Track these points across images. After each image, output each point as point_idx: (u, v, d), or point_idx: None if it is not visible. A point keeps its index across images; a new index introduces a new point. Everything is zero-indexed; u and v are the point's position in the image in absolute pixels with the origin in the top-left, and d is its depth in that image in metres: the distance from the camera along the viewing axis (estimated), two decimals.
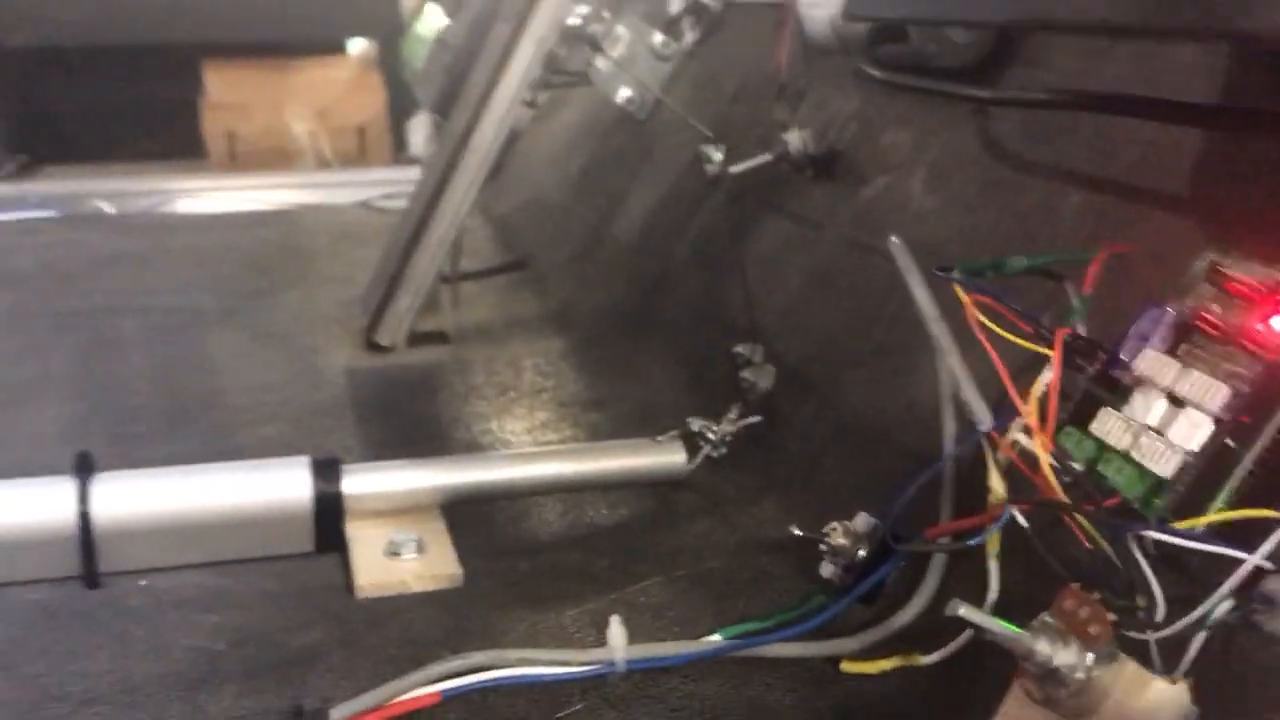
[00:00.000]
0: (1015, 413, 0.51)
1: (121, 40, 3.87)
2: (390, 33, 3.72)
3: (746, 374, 0.87)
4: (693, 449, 0.83)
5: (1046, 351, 0.51)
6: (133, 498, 0.73)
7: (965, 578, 0.60)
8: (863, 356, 0.79)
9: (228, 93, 4.10)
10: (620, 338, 1.11)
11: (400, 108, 3.67)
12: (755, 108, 1.12)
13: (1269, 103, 0.53)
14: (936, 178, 0.80)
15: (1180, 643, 0.45)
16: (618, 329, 1.13)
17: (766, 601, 0.69)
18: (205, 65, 4.09)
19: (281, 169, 3.94)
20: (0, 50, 3.94)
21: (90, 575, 0.71)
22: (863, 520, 0.65)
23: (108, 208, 1.83)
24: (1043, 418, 0.50)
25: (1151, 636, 0.46)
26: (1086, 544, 0.49)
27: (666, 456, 0.82)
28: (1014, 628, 0.47)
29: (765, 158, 0.96)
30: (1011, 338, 0.52)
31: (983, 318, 0.52)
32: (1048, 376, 0.52)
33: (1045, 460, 0.48)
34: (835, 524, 0.65)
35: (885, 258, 0.79)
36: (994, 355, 0.50)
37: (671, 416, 0.88)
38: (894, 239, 0.61)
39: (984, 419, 0.53)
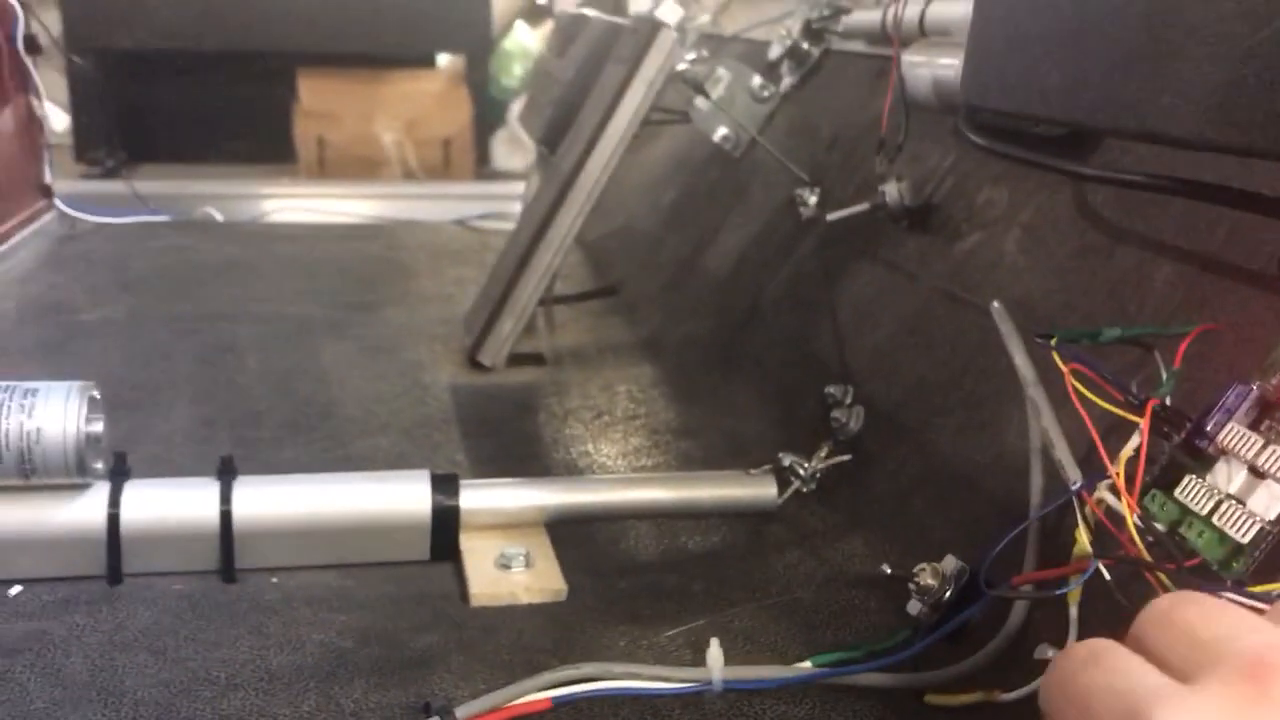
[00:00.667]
0: (1103, 474, 0.55)
1: (220, 46, 4.01)
2: (479, 48, 3.81)
3: (837, 414, 0.91)
4: (783, 483, 0.88)
5: (1135, 419, 0.55)
6: (269, 500, 0.79)
7: (1044, 623, 0.64)
8: (952, 405, 0.83)
9: (320, 101, 4.22)
10: (710, 369, 1.16)
11: (485, 122, 3.75)
12: (849, 154, 1.17)
13: None
14: (1030, 238, 0.84)
15: None
16: (708, 361, 1.18)
17: (854, 633, 0.73)
18: (300, 73, 4.21)
19: (368, 177, 4.06)
20: (105, 51, 4.10)
21: (228, 570, 0.78)
22: (950, 562, 0.69)
23: (216, 214, 1.92)
24: (1130, 480, 0.54)
25: None
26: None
27: (758, 489, 0.87)
28: None
29: (863, 207, 1.00)
30: (1104, 404, 0.56)
31: (1079, 385, 0.56)
32: (1136, 442, 0.56)
33: (1131, 519, 0.52)
34: (924, 565, 0.69)
35: (978, 311, 0.84)
36: (1088, 421, 0.54)
37: (760, 450, 0.93)
38: (996, 304, 0.65)
39: (1075, 477, 0.57)
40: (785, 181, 1.21)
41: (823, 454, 0.88)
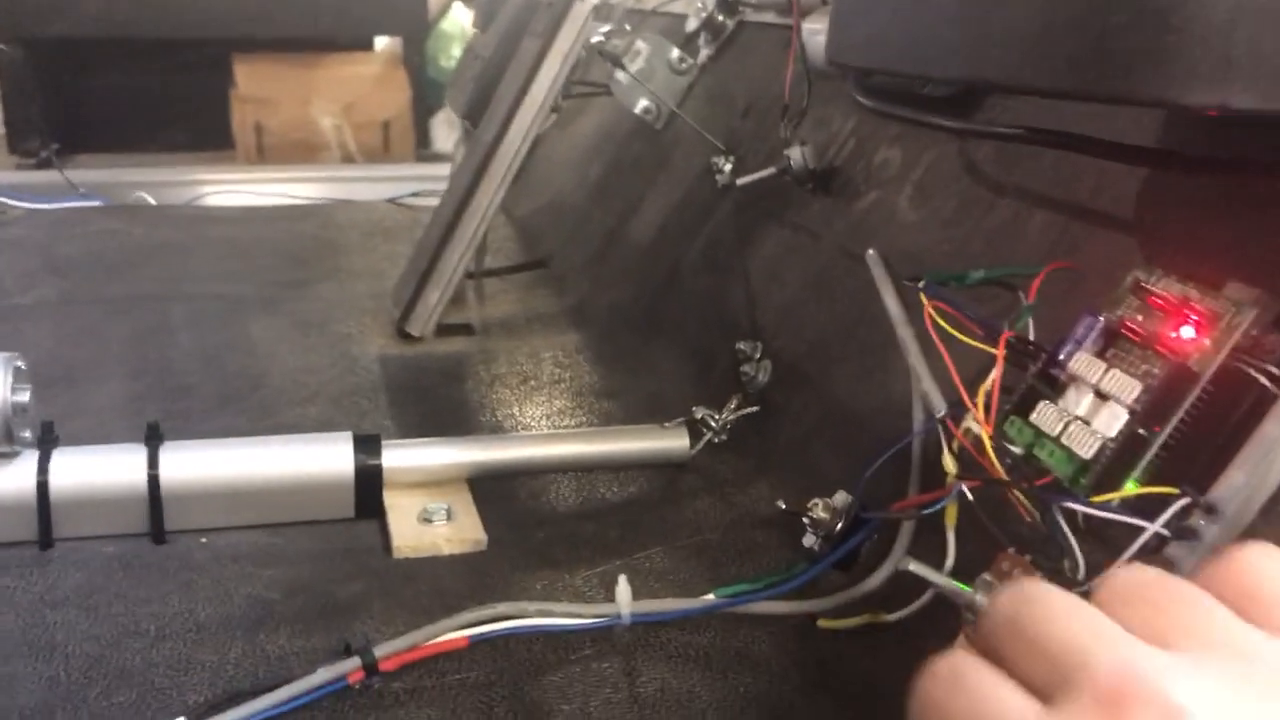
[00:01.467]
0: (969, 405, 0.60)
1: (154, 33, 3.98)
2: (416, 31, 3.81)
3: (746, 368, 0.96)
4: (696, 435, 0.92)
5: (994, 351, 0.59)
6: (196, 464, 0.82)
7: (930, 548, 0.69)
8: (848, 354, 0.87)
9: (256, 86, 4.20)
10: (633, 334, 1.20)
11: (424, 105, 3.76)
12: (763, 123, 1.21)
13: (1193, 149, 0.61)
14: (920, 194, 0.88)
15: None
16: (630, 326, 1.21)
17: (756, 568, 0.78)
18: (235, 59, 4.19)
19: (307, 162, 4.04)
20: (35, 40, 4.05)
21: (158, 532, 0.81)
22: (841, 497, 0.74)
23: (148, 198, 1.93)
24: (988, 408, 0.59)
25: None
26: (1026, 516, 0.58)
27: (671, 441, 0.91)
28: (958, 583, 0.56)
29: (770, 171, 1.04)
30: (965, 339, 0.60)
31: (942, 322, 0.61)
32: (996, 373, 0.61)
33: (988, 444, 0.57)
34: (817, 500, 0.73)
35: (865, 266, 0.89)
36: (945, 353, 0.58)
37: (678, 406, 0.97)
38: (871, 251, 0.70)
39: (939, 408, 0.61)
40: (704, 151, 1.25)
41: (732, 406, 0.93)
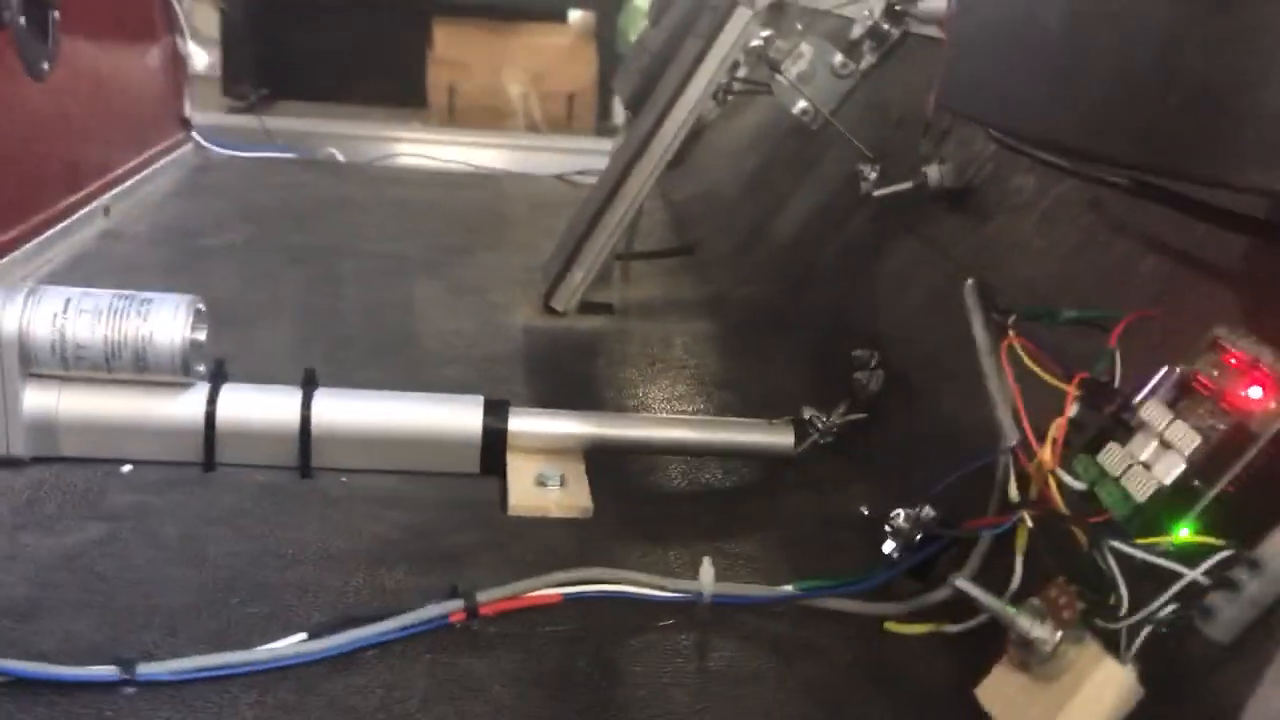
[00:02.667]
0: (1044, 438, 0.63)
1: None
2: (610, 4, 3.89)
3: (860, 375, 0.99)
4: (803, 434, 0.97)
5: (1069, 390, 0.62)
6: (343, 410, 0.91)
7: (1002, 569, 0.72)
8: (958, 371, 0.90)
9: (452, 49, 4.37)
10: (761, 329, 1.24)
11: (609, 79, 3.84)
12: (913, 135, 1.23)
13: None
14: (1046, 224, 0.90)
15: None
16: (761, 320, 1.26)
17: (837, 567, 0.82)
18: (435, 21, 4.36)
19: (494, 127, 4.18)
20: None
21: (305, 467, 0.90)
22: (926, 511, 0.77)
23: (339, 155, 2.06)
24: (1062, 443, 0.62)
25: (1113, 626, 0.57)
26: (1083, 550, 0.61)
27: (776, 437, 0.95)
28: (1004, 604, 0.60)
29: (906, 186, 1.08)
30: (1042, 374, 0.63)
31: (1025, 357, 0.64)
32: (1073, 412, 0.64)
33: (1051, 477, 0.60)
34: (900, 510, 0.77)
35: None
36: (1013, 385, 0.62)
37: (791, 404, 1.01)
38: (970, 281, 0.73)
39: (1011, 438, 0.65)
40: (853, 156, 1.28)
41: (841, 411, 0.97)
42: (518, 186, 1.93)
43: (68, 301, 0.84)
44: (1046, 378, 0.63)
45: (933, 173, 1.04)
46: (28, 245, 1.28)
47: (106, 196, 1.50)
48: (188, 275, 1.35)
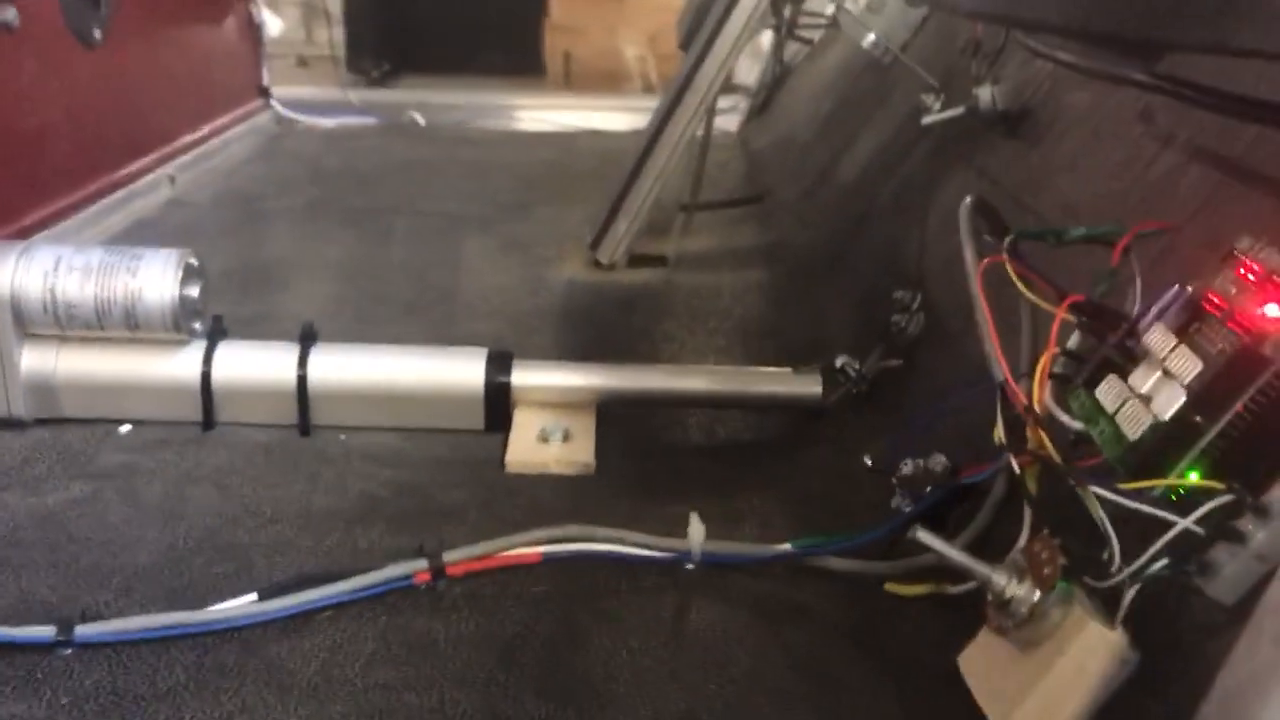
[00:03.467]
0: (1037, 373, 0.55)
1: None
2: None
3: (898, 318, 0.91)
4: (834, 383, 0.89)
5: (1068, 316, 0.54)
6: (340, 367, 0.88)
7: (1016, 521, 0.64)
8: (999, 310, 0.82)
9: (568, 16, 4.34)
10: (815, 274, 1.17)
11: None
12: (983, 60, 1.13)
13: None
14: (1095, 141, 0.81)
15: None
16: (816, 266, 1.18)
17: (850, 522, 0.75)
18: None
19: (611, 91, 4.14)
20: None
21: (303, 425, 0.87)
22: (936, 460, 0.70)
23: (419, 118, 2.04)
24: (1053, 378, 0.54)
25: (1103, 585, 0.49)
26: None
27: (803, 387, 0.88)
28: (972, 559, 0.52)
29: (958, 111, 0.98)
30: (1036, 300, 0.55)
31: (1016, 280, 0.56)
32: (1074, 340, 0.56)
33: (1032, 416, 0.52)
34: (908, 460, 0.70)
35: (1035, 218, 0.82)
36: (988, 314, 0.54)
37: (833, 350, 0.94)
38: (966, 200, 0.65)
39: (998, 374, 0.57)
40: (921, 88, 1.19)
41: (874, 357, 0.89)
42: (588, 143, 1.88)
43: (59, 259, 0.83)
44: (1037, 301, 0.55)
45: (984, 95, 0.95)
46: (86, 212, 1.29)
47: (172, 165, 1.51)
48: (241, 238, 1.35)
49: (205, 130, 1.63)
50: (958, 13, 0.51)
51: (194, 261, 0.86)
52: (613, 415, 0.90)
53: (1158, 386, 0.50)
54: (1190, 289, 0.52)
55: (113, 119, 1.37)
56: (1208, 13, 0.35)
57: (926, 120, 1.01)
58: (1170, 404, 0.49)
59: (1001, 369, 0.56)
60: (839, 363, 0.90)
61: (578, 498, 0.79)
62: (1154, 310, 0.53)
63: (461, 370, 0.88)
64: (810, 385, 0.89)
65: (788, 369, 0.90)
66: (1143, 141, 0.75)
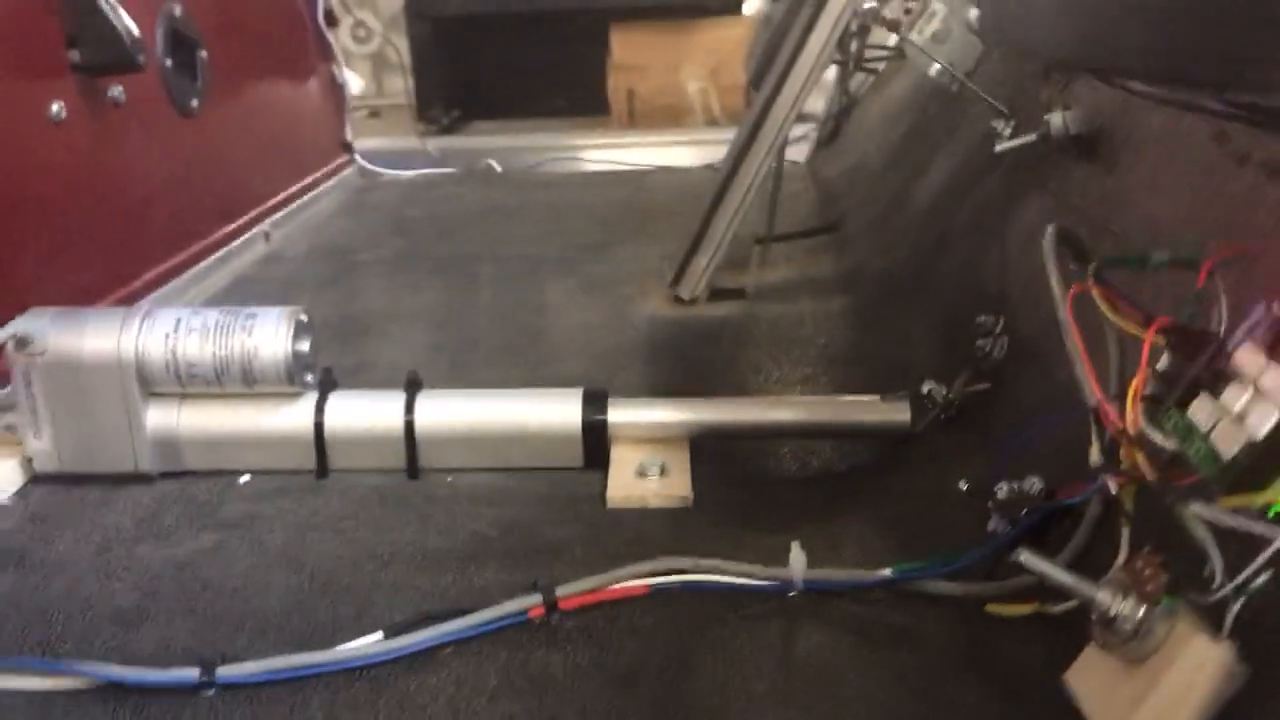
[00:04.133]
0: (1130, 395, 0.57)
1: (542, 6, 4.29)
2: None
3: (982, 342, 0.93)
4: (921, 409, 0.91)
5: (1157, 339, 0.56)
6: (446, 411, 0.91)
7: (1109, 539, 0.66)
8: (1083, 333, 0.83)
9: (630, 54, 4.42)
10: (896, 300, 1.18)
11: None
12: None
13: None
14: (1169, 162, 0.82)
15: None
16: (896, 292, 1.20)
17: (948, 546, 0.76)
18: (612, 28, 4.42)
19: (673, 126, 4.20)
20: (439, 18, 4.47)
21: (412, 469, 0.91)
22: (1030, 481, 0.71)
23: (495, 165, 2.10)
24: (1144, 399, 0.55)
25: (1207, 600, 0.51)
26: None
27: (891, 415, 0.90)
28: (1077, 578, 0.54)
29: (1030, 138, 1.00)
30: (1125, 325, 0.57)
31: (1103, 306, 0.58)
32: (1163, 363, 0.57)
33: (1126, 437, 0.54)
34: (1003, 484, 0.71)
35: (1114, 240, 0.84)
36: (1077, 337, 0.56)
37: (923, 374, 0.96)
38: (1050, 228, 0.66)
39: (1091, 398, 0.58)
40: (991, 114, 1.21)
41: (960, 382, 0.91)
42: (660, 180, 1.92)
43: (178, 321, 0.88)
44: (1126, 327, 0.57)
45: (1056, 120, 0.96)
46: (188, 273, 1.35)
47: (267, 222, 1.58)
48: (337, 290, 1.40)
49: (296, 188, 1.70)
50: (1037, 60, 0.53)
51: (304, 318, 0.90)
52: (706, 448, 0.92)
53: (1250, 405, 0.52)
54: (1276, 307, 0.53)
55: (211, 183, 1.43)
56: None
57: (1000, 148, 1.03)
58: (1264, 422, 0.50)
59: (1094, 392, 0.58)
60: (925, 388, 0.92)
61: (678, 530, 0.82)
62: (1242, 329, 0.54)
63: (559, 410, 0.91)
64: (899, 412, 0.90)
65: (875, 397, 0.92)
66: (1219, 162, 0.77)
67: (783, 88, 1.17)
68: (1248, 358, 0.53)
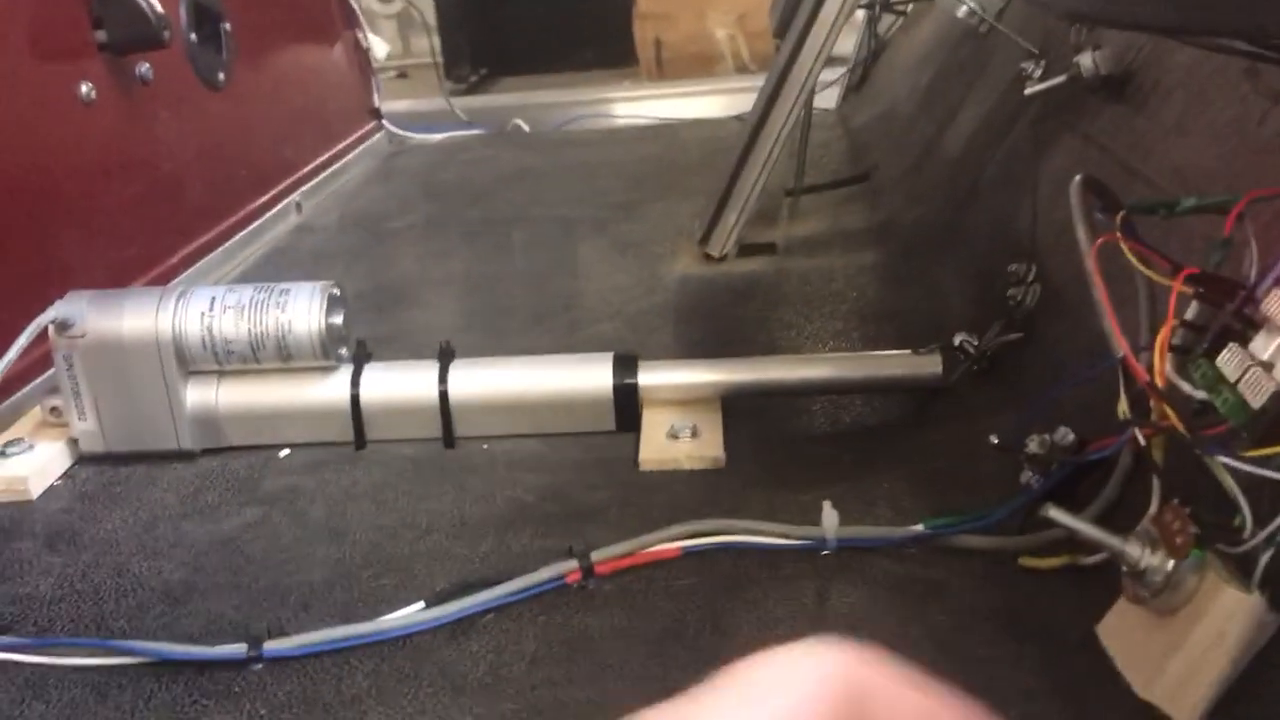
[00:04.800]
0: (1155, 342, 0.56)
1: None
2: None
3: (1014, 291, 0.92)
4: (953, 361, 0.91)
5: (1184, 289, 0.55)
6: (479, 380, 0.92)
7: (1142, 489, 0.65)
8: (1110, 280, 0.82)
9: (655, 2, 4.38)
10: (929, 251, 1.18)
11: None
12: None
13: None
14: (1201, 102, 0.81)
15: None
16: (928, 243, 1.19)
17: (981, 500, 0.76)
18: None
19: (703, 75, 4.16)
20: None
21: (448, 438, 0.92)
22: (1062, 433, 0.71)
23: (524, 126, 2.09)
24: (1172, 348, 0.55)
25: (1236, 551, 0.51)
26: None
27: (924, 368, 0.90)
28: (1106, 532, 0.54)
29: (1060, 79, 0.98)
30: (1153, 275, 0.57)
31: (1130, 255, 0.57)
32: (1192, 311, 0.57)
33: (1153, 388, 0.53)
34: (1034, 435, 0.71)
35: (1144, 183, 0.83)
36: (1104, 295, 0.55)
37: (953, 329, 0.95)
38: (1076, 179, 0.66)
39: (1117, 348, 0.58)
40: (1021, 55, 1.19)
41: (993, 333, 0.90)
42: (691, 133, 1.91)
43: (213, 300, 0.89)
44: (1154, 276, 0.57)
45: (1085, 61, 0.95)
46: (223, 247, 1.37)
47: (298, 193, 1.59)
48: (369, 259, 1.41)
49: (325, 156, 1.71)
50: (1051, 13, 0.52)
51: (336, 291, 0.91)
52: (738, 408, 0.93)
53: (1279, 353, 0.51)
54: None
55: (241, 156, 1.44)
56: None
57: (1029, 90, 1.01)
58: None
59: (1121, 346, 0.58)
60: (957, 340, 0.91)
61: (712, 491, 0.83)
62: (1271, 276, 0.54)
63: (590, 375, 0.92)
64: (931, 365, 0.90)
65: (907, 351, 0.92)
66: (1250, 99, 0.75)
67: (807, 37, 1.15)
68: (1276, 305, 0.52)
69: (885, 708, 0.25)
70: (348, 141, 1.81)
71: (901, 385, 0.91)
